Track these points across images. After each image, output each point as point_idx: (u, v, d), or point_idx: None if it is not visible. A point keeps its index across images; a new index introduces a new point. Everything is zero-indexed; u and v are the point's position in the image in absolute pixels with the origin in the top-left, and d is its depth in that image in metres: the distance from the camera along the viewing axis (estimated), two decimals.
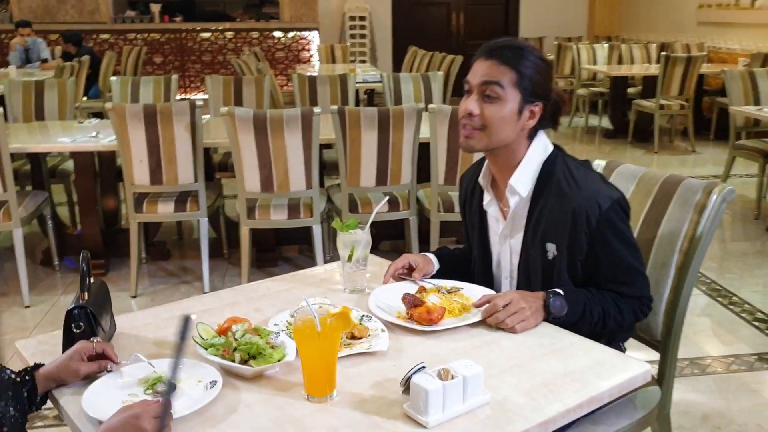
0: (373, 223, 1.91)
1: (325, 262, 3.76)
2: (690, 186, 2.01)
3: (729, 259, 4.52)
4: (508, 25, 12.00)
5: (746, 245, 4.83)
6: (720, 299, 3.85)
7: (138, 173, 3.73)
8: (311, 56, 11.24)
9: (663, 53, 7.24)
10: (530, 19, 11.84)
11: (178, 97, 5.99)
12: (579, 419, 1.81)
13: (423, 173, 3.95)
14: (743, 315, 3.66)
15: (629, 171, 2.17)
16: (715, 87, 8.27)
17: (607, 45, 9.14)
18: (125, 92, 5.00)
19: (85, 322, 1.45)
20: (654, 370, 2.05)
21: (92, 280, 1.54)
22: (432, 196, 3.90)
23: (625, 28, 11.61)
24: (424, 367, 1.38)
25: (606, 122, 8.79)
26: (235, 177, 3.61)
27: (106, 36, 10.67)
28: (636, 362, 1.51)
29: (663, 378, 2.03)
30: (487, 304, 1.66)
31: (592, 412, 1.85)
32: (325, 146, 4.45)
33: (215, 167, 4.69)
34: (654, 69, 7.73)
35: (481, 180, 1.85)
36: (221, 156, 4.85)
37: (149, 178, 3.74)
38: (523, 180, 1.75)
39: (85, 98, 7.64)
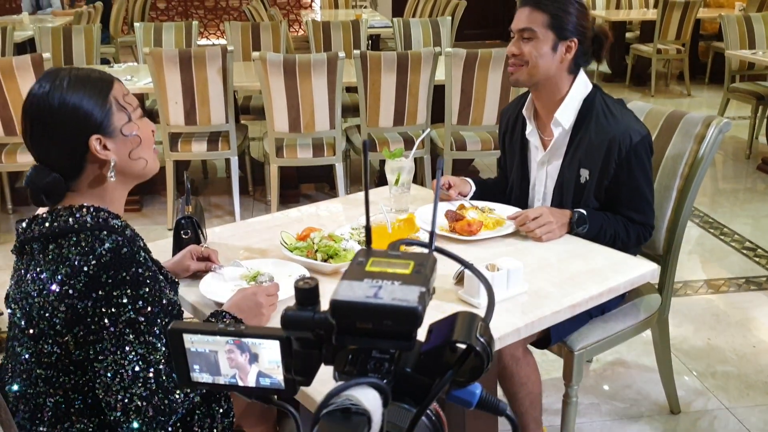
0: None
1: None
2: (691, 119, 2.30)
3: (721, 195, 4.84)
4: None
5: (737, 183, 5.15)
6: (712, 230, 4.18)
7: (173, 114, 3.99)
8: (312, 1, 11.33)
9: None
10: None
11: (199, 42, 6.18)
12: (594, 318, 2.15)
13: (436, 114, 4.21)
14: (733, 244, 3.99)
15: (638, 107, 2.45)
16: (711, 32, 8.47)
17: None
18: (148, 38, 5.20)
19: (191, 230, 1.75)
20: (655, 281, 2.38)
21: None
22: (445, 135, 4.17)
23: None
24: (472, 264, 1.68)
25: (604, 67, 9.00)
26: (257, 119, 3.84)
27: None
28: (646, 262, 1.83)
29: (663, 287, 2.35)
30: (519, 217, 1.97)
31: (604, 313, 2.19)
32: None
33: (238, 110, 4.94)
34: (652, 14, 7.92)
35: (524, 111, 2.14)
36: (242, 100, 5.09)
37: (184, 119, 4.00)
38: (566, 113, 2.04)
39: None
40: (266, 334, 0.58)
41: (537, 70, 1.99)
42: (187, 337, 0.60)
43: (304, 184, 4.93)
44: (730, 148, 5.76)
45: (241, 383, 0.60)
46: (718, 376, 2.75)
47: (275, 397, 0.63)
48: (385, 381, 0.51)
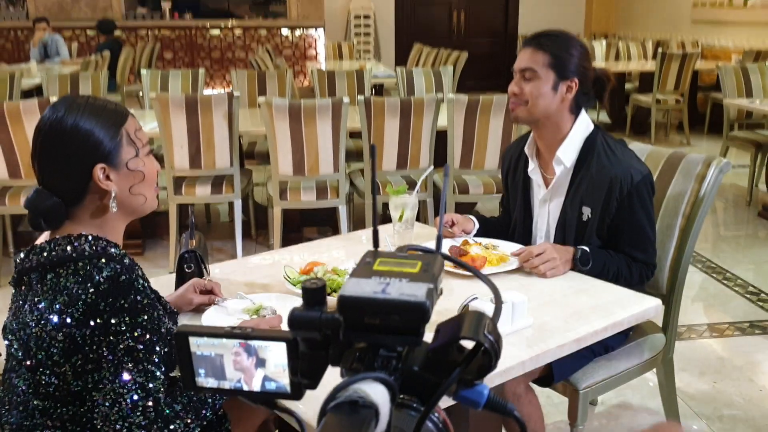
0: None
1: None
2: (692, 159, 2.32)
3: (723, 242, 4.84)
4: (508, 23, 12.31)
5: (738, 229, 5.16)
6: (715, 275, 4.17)
7: (178, 158, 4.02)
8: (317, 54, 11.53)
9: (660, 50, 7.56)
10: (529, 16, 12.15)
11: (205, 92, 6.27)
12: (598, 358, 2.14)
13: (438, 158, 4.25)
14: (736, 288, 3.97)
15: (639, 148, 2.47)
16: (709, 83, 8.59)
17: (604, 41, 9.45)
18: (155, 84, 5.28)
19: (195, 264, 1.75)
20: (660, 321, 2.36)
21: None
22: (448, 179, 4.19)
23: (621, 26, 11.94)
24: (476, 297, 1.68)
25: (604, 116, 9.10)
26: (261, 164, 3.86)
27: (117, 33, 10.93)
28: (649, 298, 1.82)
29: (667, 327, 2.34)
30: (523, 253, 1.97)
31: (608, 353, 2.17)
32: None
33: (243, 155, 4.98)
34: (650, 65, 8.05)
35: (526, 149, 2.16)
36: (247, 145, 5.14)
37: (189, 163, 4.03)
38: (568, 152, 2.05)
39: None
40: (273, 336, 0.58)
41: (536, 109, 2.02)
42: (193, 340, 0.60)
43: (307, 228, 4.94)
44: (731, 196, 5.78)
45: (246, 388, 0.60)
46: (725, 420, 2.71)
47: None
48: (392, 378, 0.51)
